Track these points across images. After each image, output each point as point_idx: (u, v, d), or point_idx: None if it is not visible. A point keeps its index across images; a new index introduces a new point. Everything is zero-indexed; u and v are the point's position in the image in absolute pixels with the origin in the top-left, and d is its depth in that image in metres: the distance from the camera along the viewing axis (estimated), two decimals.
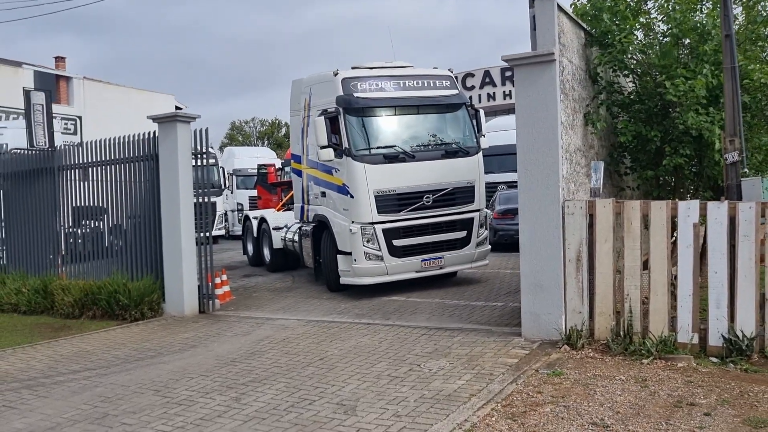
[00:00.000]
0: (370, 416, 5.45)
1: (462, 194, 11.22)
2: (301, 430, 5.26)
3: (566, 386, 5.92)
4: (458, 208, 11.17)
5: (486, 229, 11.71)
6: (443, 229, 11.04)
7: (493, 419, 5.24)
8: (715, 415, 5.09)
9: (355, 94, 10.79)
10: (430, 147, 11.27)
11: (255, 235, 16.23)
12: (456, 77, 11.37)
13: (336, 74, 10.97)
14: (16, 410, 6.17)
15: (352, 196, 10.69)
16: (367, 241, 10.55)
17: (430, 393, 5.94)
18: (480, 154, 11.54)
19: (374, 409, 5.60)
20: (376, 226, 10.60)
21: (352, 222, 10.64)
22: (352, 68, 11.54)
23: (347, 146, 10.66)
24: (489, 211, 12.57)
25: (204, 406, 5.99)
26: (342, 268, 10.98)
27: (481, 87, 33.48)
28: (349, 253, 10.70)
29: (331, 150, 10.66)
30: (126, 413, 5.90)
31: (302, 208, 12.95)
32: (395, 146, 10.92)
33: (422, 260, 10.89)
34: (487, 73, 32.50)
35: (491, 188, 19.45)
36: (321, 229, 11.70)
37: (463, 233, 11.22)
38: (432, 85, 11.51)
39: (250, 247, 16.85)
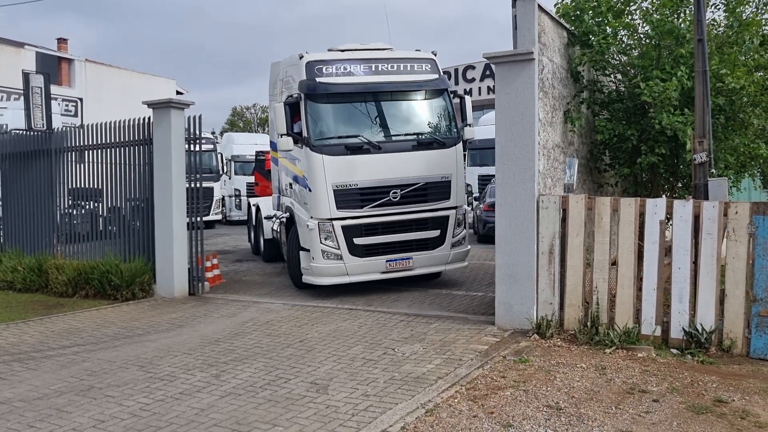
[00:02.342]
0: (340, 395, 5.75)
1: (436, 190, 10.23)
2: (274, 405, 5.57)
3: (529, 372, 6.21)
4: (431, 205, 10.21)
5: (464, 228, 10.68)
6: (412, 228, 10.15)
7: (456, 401, 5.53)
8: (663, 402, 5.39)
9: (319, 79, 9.96)
10: (400, 137, 10.30)
11: (254, 223, 16.22)
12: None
13: (301, 57, 10.17)
14: (7, 381, 6.49)
15: (310, 190, 9.96)
16: (325, 239, 9.79)
17: (400, 375, 6.24)
18: (460, 145, 10.49)
19: (345, 389, 5.90)
20: (334, 222, 9.81)
21: (311, 217, 9.97)
22: (328, 50, 10.75)
23: (306, 135, 9.92)
24: (469, 208, 11.92)
25: (185, 381, 6.29)
26: (303, 266, 10.26)
27: (482, 79, 33.65)
28: (309, 250, 10.09)
29: (290, 139, 9.99)
30: (110, 386, 6.21)
31: (278, 198, 12.68)
32: (359, 136, 10.03)
33: (387, 261, 10.07)
34: (488, 66, 32.45)
35: (487, 181, 19.64)
36: (291, 221, 11.07)
37: (436, 232, 10.29)
38: (409, 69, 10.46)
39: (251, 235, 16.74)
